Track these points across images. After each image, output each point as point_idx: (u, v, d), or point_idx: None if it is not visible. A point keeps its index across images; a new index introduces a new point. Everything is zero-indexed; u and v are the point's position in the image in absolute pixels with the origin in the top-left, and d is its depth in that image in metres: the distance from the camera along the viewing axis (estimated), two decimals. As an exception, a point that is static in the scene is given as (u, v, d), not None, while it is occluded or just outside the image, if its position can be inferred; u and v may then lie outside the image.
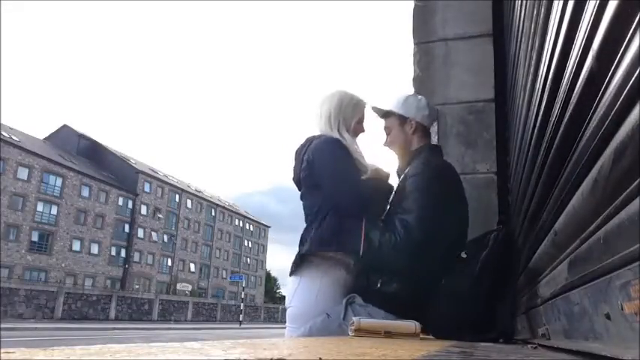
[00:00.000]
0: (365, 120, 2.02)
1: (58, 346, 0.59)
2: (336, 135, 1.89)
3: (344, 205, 1.81)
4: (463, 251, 1.94)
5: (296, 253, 1.88)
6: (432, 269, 1.73)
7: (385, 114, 2.02)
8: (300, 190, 1.96)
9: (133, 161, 49.90)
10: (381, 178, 1.93)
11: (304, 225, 1.92)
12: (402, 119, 1.97)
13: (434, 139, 2.64)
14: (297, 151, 1.97)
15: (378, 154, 2.13)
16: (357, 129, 1.98)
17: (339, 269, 1.82)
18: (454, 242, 1.84)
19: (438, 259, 1.74)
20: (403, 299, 1.72)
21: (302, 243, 1.88)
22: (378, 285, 1.75)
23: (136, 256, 46.33)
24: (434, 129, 2.67)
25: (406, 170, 1.88)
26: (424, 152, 1.92)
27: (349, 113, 1.94)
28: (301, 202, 1.96)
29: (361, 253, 1.73)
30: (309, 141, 1.93)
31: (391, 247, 1.70)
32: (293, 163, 1.99)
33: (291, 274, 1.88)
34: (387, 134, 2.02)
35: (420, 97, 2.04)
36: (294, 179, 1.98)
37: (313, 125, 1.98)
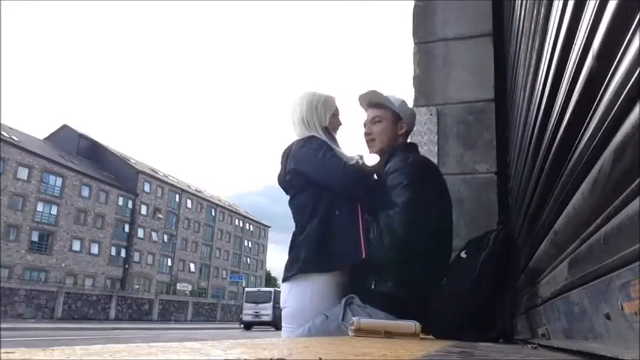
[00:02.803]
0: (341, 113, 2.03)
1: (58, 346, 0.59)
2: (314, 133, 1.90)
3: (340, 186, 1.81)
4: (462, 249, 1.94)
5: (288, 259, 1.87)
6: (419, 263, 1.74)
7: (382, 105, 2.00)
8: (286, 193, 1.96)
9: (133, 161, 49.88)
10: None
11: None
12: (398, 118, 1.98)
13: (434, 139, 2.65)
14: (282, 153, 1.97)
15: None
16: (334, 122, 1.99)
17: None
18: (440, 236, 1.85)
19: (423, 252, 1.74)
20: (399, 298, 1.72)
21: (292, 248, 1.87)
22: (372, 286, 1.75)
23: (136, 256, 46.32)
24: (433, 129, 2.67)
25: (386, 167, 1.88)
26: (401, 148, 1.93)
27: (321, 111, 1.95)
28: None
29: (363, 255, 1.73)
30: (292, 145, 1.94)
31: (376, 242, 1.72)
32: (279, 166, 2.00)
33: (284, 281, 1.87)
34: (375, 122, 1.99)
35: (411, 106, 2.07)
36: (279, 182, 1.97)
37: (291, 132, 1.98)
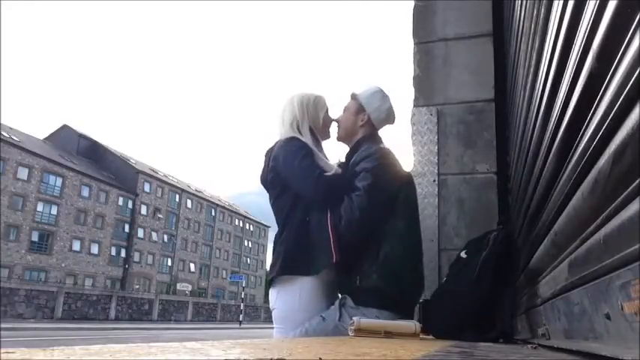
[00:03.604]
0: (330, 110, 2.05)
1: (58, 346, 0.59)
2: (297, 135, 1.89)
3: (309, 196, 1.81)
4: (462, 249, 1.94)
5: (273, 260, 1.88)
6: (395, 250, 1.75)
7: (352, 95, 2.07)
8: (268, 192, 1.96)
9: (133, 161, 49.86)
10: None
11: None
12: (360, 108, 2.01)
13: (434, 139, 2.65)
14: (266, 152, 1.97)
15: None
16: (327, 120, 2.02)
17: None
18: (409, 222, 1.86)
19: (394, 238, 1.76)
20: (386, 291, 1.72)
21: (273, 250, 1.89)
22: (357, 282, 1.75)
23: (136, 256, 46.28)
24: (433, 129, 2.67)
25: (352, 158, 1.90)
26: (365, 139, 1.96)
27: (313, 111, 1.97)
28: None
29: (334, 259, 1.73)
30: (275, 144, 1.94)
31: (337, 224, 1.75)
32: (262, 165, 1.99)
33: (270, 284, 1.88)
34: (344, 111, 2.07)
35: (388, 99, 2.05)
36: (261, 181, 1.97)
37: (275, 132, 1.98)
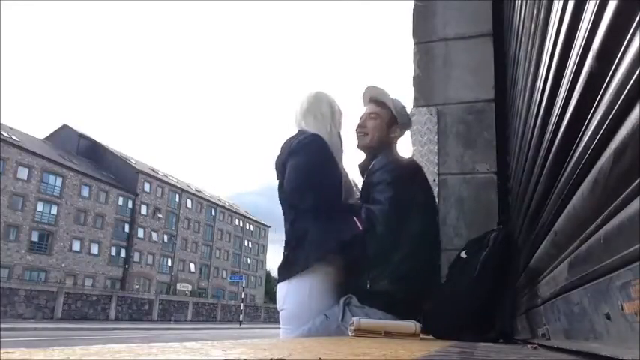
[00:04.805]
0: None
1: (58, 346, 0.59)
2: (327, 136, 1.87)
3: (301, 206, 1.79)
4: (462, 249, 1.94)
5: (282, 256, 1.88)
6: (410, 260, 1.73)
7: (382, 103, 1.97)
8: (278, 175, 1.91)
9: (133, 161, 49.86)
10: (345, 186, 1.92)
11: None
12: (394, 120, 1.95)
13: (433, 139, 2.65)
14: (286, 140, 1.91)
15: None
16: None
17: (328, 266, 1.81)
18: (428, 232, 1.85)
19: (412, 248, 1.74)
20: (395, 296, 1.72)
21: (287, 244, 1.87)
22: (367, 285, 1.75)
23: (136, 256, 46.29)
24: (433, 129, 2.67)
25: (370, 166, 1.88)
26: (384, 149, 1.93)
27: (338, 119, 1.96)
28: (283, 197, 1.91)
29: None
30: (301, 134, 1.88)
31: (360, 239, 1.71)
32: (279, 150, 1.93)
33: (279, 282, 1.85)
34: (372, 118, 1.96)
35: (412, 113, 2.06)
36: (276, 167, 1.91)
37: (301, 122, 1.93)
